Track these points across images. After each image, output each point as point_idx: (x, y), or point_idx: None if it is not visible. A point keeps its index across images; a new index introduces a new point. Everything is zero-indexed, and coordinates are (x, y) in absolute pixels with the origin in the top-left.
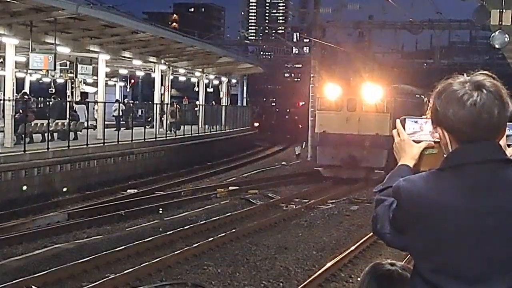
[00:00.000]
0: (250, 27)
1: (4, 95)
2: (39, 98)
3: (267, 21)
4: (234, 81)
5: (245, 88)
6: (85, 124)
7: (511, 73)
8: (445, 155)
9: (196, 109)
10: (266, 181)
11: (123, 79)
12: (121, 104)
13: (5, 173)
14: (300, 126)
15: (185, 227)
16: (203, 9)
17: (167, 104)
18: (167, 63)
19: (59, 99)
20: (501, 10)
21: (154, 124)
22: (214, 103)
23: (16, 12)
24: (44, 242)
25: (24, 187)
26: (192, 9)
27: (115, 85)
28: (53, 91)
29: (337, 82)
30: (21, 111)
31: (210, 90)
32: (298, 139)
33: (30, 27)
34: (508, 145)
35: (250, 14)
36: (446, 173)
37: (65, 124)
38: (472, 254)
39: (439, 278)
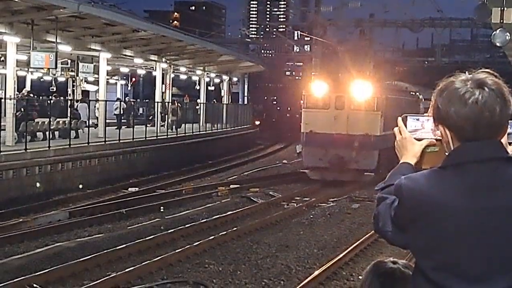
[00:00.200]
0: (251, 26)
1: (5, 93)
2: (40, 97)
3: (268, 19)
4: (235, 79)
5: (246, 86)
6: (87, 123)
7: None
8: (446, 153)
9: (197, 107)
10: (267, 179)
11: (124, 78)
12: (122, 103)
13: (6, 171)
14: None
15: (186, 226)
16: (204, 8)
17: (169, 102)
18: (168, 61)
19: (60, 97)
20: (502, 8)
21: (155, 122)
22: (215, 102)
23: (17, 10)
24: (46, 241)
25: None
26: (193, 8)
27: (116, 83)
28: (54, 90)
29: (324, 79)
30: (22, 109)
31: (211, 88)
32: (299, 137)
33: (32, 26)
34: (510, 143)
35: (251, 12)
36: (448, 172)
37: (66, 123)
38: (472, 253)
39: (440, 276)
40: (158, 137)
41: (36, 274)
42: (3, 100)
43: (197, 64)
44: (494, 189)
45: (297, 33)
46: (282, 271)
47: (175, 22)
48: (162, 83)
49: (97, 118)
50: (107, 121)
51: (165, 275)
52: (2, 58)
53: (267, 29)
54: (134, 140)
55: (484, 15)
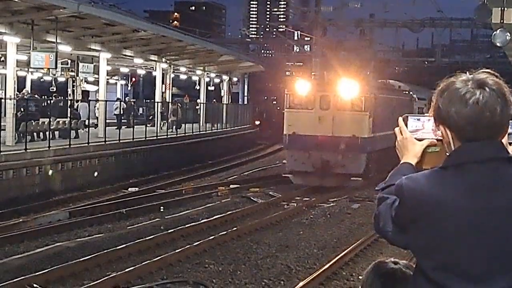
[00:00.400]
0: (251, 26)
1: (5, 93)
2: (43, 97)
3: (268, 19)
4: (235, 79)
5: (246, 86)
6: (87, 123)
7: None
8: (447, 154)
9: (197, 107)
10: (267, 179)
11: (124, 78)
12: (122, 103)
13: (6, 171)
14: None
15: (186, 226)
16: (204, 8)
17: (169, 102)
18: (168, 61)
19: (60, 97)
20: (502, 8)
21: (155, 122)
22: (215, 102)
23: (17, 10)
24: (46, 241)
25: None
26: (193, 8)
27: (116, 83)
28: (54, 90)
29: (308, 77)
30: (22, 109)
31: (211, 88)
32: None
33: (32, 26)
34: (510, 143)
35: (251, 12)
36: (449, 172)
37: (66, 123)
38: (473, 253)
39: (441, 276)
40: (158, 137)
41: (36, 274)
42: (3, 100)
43: (197, 64)
44: (495, 190)
45: (297, 33)
46: (282, 271)
47: (175, 22)
48: (162, 83)
49: (97, 118)
50: (107, 121)
51: (165, 275)
52: (2, 58)
53: (267, 29)
54: (134, 140)
55: (484, 15)
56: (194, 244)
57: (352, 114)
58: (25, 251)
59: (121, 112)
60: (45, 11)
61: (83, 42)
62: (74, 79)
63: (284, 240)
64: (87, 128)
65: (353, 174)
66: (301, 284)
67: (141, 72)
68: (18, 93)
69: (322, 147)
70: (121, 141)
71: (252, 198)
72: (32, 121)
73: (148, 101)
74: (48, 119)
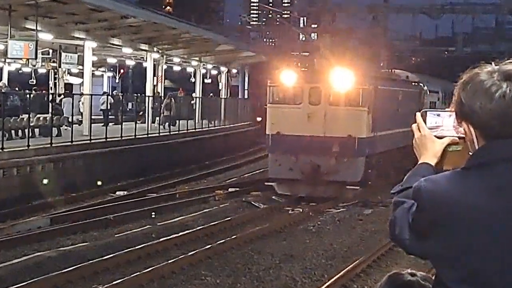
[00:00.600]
0: (252, 11)
1: None
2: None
3: (270, 4)
4: (234, 71)
5: (246, 78)
6: (70, 119)
7: None
8: (470, 153)
9: (192, 102)
10: None
11: (112, 69)
12: (109, 97)
13: None
14: None
15: (180, 233)
16: None
17: (161, 96)
18: (160, 51)
19: (41, 91)
20: None
21: (146, 119)
22: (212, 96)
23: None
24: (24, 250)
25: (45, 181)
26: None
27: (102, 75)
28: (34, 82)
29: (295, 65)
30: None
31: (208, 81)
32: None
33: (9, 11)
34: None
35: None
36: (473, 172)
37: (48, 119)
38: (502, 260)
39: (464, 287)
40: (149, 135)
41: (15, 286)
42: None
43: (192, 54)
44: None
45: (303, 19)
46: (287, 284)
47: (168, 7)
48: (154, 75)
49: (81, 114)
50: (93, 117)
51: (157, 287)
52: None
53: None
54: (123, 138)
55: (510, 0)
56: (189, 253)
57: (348, 110)
58: (2, 261)
59: (108, 107)
60: None
61: (66, 30)
62: (56, 70)
63: (289, 249)
64: (70, 126)
65: (349, 181)
66: None
67: (130, 63)
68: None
69: (311, 150)
70: (108, 139)
71: (253, 202)
72: (12, 117)
73: (138, 95)
74: (27, 115)
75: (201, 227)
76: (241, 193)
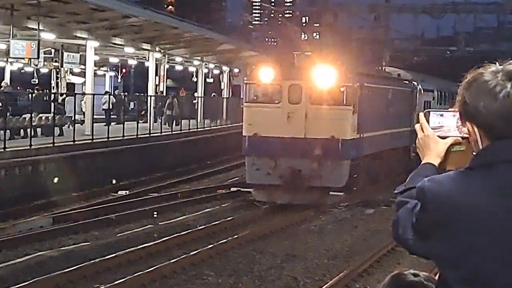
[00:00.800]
0: (254, 11)
1: None
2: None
3: (272, 4)
4: (236, 70)
5: None
6: (73, 118)
7: None
8: (474, 153)
9: (194, 101)
10: None
11: (114, 69)
12: (111, 96)
13: None
14: None
15: (182, 233)
16: None
17: (164, 95)
18: (162, 50)
19: (46, 90)
20: None
21: (148, 118)
22: (214, 95)
23: None
24: (26, 250)
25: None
26: None
27: (105, 75)
28: (36, 82)
29: (273, 62)
30: (0, 104)
31: (209, 80)
32: None
33: (11, 11)
34: None
35: None
36: (477, 173)
37: (50, 119)
38: (504, 261)
39: None
40: (151, 135)
41: (16, 286)
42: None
43: (194, 53)
44: None
45: (306, 19)
46: (289, 284)
47: (170, 7)
48: (156, 74)
49: (83, 113)
50: (95, 116)
51: (159, 287)
52: None
53: (272, 15)
54: (125, 138)
55: None
56: (191, 253)
57: (331, 109)
58: (3, 261)
59: (110, 107)
60: None
61: (68, 29)
62: (58, 70)
63: (291, 249)
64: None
65: (333, 187)
66: None
67: (132, 62)
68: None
69: (292, 153)
70: (110, 139)
71: (255, 202)
72: (15, 116)
73: (141, 94)
74: (29, 115)
75: (203, 226)
76: (243, 192)
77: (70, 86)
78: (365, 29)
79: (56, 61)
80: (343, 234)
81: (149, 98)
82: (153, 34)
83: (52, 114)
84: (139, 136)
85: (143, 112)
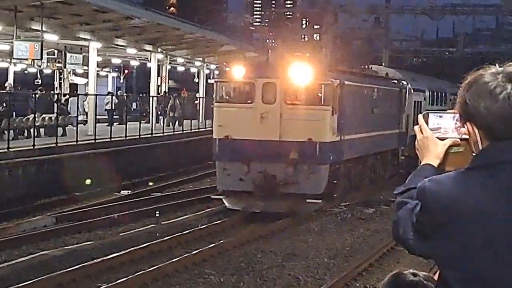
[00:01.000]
0: (255, 12)
1: None
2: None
3: (273, 5)
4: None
5: None
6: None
7: None
8: (474, 154)
9: (196, 102)
10: None
11: (116, 70)
12: (114, 97)
13: None
14: None
15: (184, 232)
16: None
17: (169, 96)
18: (164, 51)
19: (50, 91)
20: None
21: (150, 119)
22: None
23: None
24: (30, 249)
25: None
26: None
27: (107, 76)
28: (40, 83)
29: (246, 59)
30: (4, 104)
31: (211, 81)
32: None
33: (15, 13)
34: None
35: None
36: (477, 173)
37: (53, 119)
38: (506, 262)
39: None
40: (154, 135)
41: (20, 285)
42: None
43: (196, 54)
44: None
45: (306, 20)
46: (290, 283)
47: (172, 8)
48: (158, 75)
49: (86, 113)
50: (98, 117)
51: (161, 286)
52: None
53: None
54: (127, 138)
55: (511, 1)
56: (193, 252)
57: (307, 109)
58: (7, 260)
59: (113, 108)
60: None
61: (71, 31)
62: (61, 71)
63: (292, 248)
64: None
65: (310, 194)
66: None
67: (135, 63)
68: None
69: (265, 157)
70: (112, 139)
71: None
72: (18, 117)
73: (144, 94)
74: (32, 115)
75: (204, 226)
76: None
77: (73, 87)
78: (365, 30)
79: (59, 62)
80: (343, 234)
81: (151, 98)
82: (155, 36)
83: (55, 115)
84: (141, 136)
85: (144, 114)
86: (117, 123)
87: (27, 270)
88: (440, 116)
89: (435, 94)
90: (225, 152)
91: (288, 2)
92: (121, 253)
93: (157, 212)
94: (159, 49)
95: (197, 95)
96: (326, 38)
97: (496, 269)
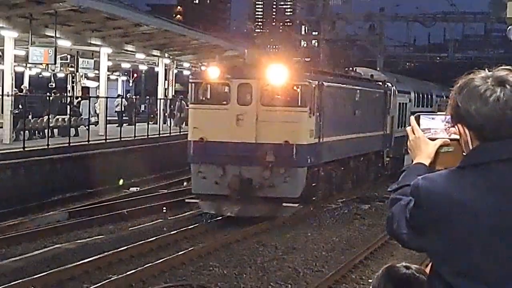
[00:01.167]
0: (257, 19)
1: (2, 90)
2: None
3: (274, 13)
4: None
5: None
6: (87, 120)
7: None
8: (464, 153)
9: None
10: None
11: (126, 73)
12: (123, 99)
13: (3, 170)
14: None
15: (190, 227)
16: (208, 1)
17: (177, 99)
18: (171, 56)
19: (64, 94)
20: None
21: (158, 120)
22: None
23: (15, 4)
24: (44, 242)
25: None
26: (197, 1)
27: (117, 79)
28: (53, 86)
29: (221, 59)
30: (20, 106)
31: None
32: None
33: (30, 20)
34: None
35: (257, 5)
36: (468, 172)
37: (66, 120)
38: (496, 256)
39: (460, 281)
40: (161, 135)
41: (34, 277)
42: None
43: (201, 59)
44: None
45: (305, 27)
46: (289, 274)
47: (178, 16)
48: (165, 79)
49: (97, 115)
50: (108, 118)
51: (168, 278)
52: (0, 54)
53: (274, 23)
54: (136, 138)
55: (499, 10)
56: (198, 246)
57: (284, 111)
58: (23, 253)
59: (123, 109)
60: (44, 5)
61: (83, 37)
62: (73, 75)
63: (291, 242)
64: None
65: (287, 198)
66: None
67: (143, 67)
68: (16, 89)
69: (241, 160)
70: (122, 139)
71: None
72: (33, 118)
73: (150, 97)
74: (46, 117)
75: (209, 221)
76: None
77: (85, 90)
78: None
79: (72, 67)
80: (340, 228)
81: (158, 100)
82: (163, 41)
83: (68, 116)
84: (149, 136)
85: (152, 115)
86: (127, 124)
87: (42, 263)
88: (432, 118)
89: (420, 95)
90: (200, 155)
91: (288, 10)
92: (130, 246)
93: (164, 208)
94: (166, 54)
95: None
96: (323, 44)
97: (486, 263)
